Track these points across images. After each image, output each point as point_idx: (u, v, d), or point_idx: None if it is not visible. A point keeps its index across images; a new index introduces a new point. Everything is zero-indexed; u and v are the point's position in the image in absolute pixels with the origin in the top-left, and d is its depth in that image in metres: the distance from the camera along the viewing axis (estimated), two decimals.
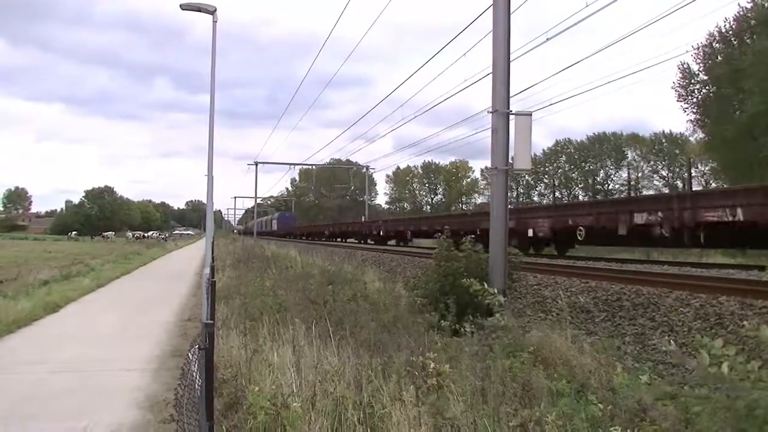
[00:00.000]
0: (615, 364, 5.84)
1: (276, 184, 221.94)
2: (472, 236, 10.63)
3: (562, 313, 7.50)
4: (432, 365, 4.02)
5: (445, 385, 4.10)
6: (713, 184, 57.43)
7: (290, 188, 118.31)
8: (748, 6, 34.83)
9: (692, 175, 76.86)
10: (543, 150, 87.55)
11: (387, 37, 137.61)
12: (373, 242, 36.54)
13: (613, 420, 4.01)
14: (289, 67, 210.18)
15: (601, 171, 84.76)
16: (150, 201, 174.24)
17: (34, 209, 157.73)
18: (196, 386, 3.69)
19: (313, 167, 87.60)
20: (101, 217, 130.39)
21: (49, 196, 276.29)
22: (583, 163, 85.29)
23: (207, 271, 9.43)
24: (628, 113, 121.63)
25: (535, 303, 10.99)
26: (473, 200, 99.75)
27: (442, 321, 8.29)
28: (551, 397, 4.77)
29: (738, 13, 35.57)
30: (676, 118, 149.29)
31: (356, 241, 41.16)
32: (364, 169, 71.42)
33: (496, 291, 7.57)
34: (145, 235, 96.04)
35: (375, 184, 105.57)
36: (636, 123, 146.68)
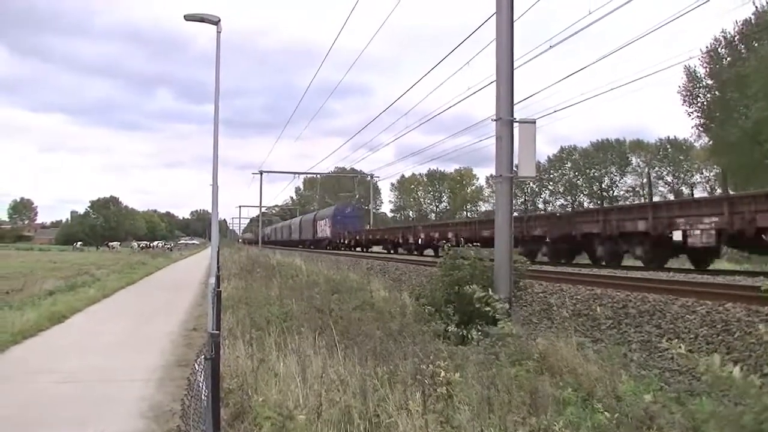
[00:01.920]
0: (621, 372, 5.81)
1: (280, 194, 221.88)
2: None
3: (566, 321, 7.46)
4: (443, 373, 4.00)
5: (454, 394, 4.08)
6: (718, 190, 57.31)
7: (294, 197, 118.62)
8: (754, 9, 34.84)
9: (697, 180, 76.64)
10: (548, 157, 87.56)
11: (389, 45, 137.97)
12: None
13: (619, 428, 3.99)
14: (291, 76, 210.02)
15: (606, 177, 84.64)
16: (155, 211, 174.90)
17: (39, 220, 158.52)
18: (203, 396, 3.69)
19: (318, 176, 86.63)
20: (106, 227, 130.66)
21: (54, 206, 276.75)
22: (587, 170, 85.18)
23: (212, 280, 9.43)
24: (630, 121, 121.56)
25: (541, 311, 10.95)
26: (478, 207, 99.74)
27: (447, 329, 8.27)
28: (558, 406, 4.75)
29: (745, 17, 35.61)
30: (678, 126, 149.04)
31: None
32: (369, 178, 71.43)
33: (500, 297, 7.52)
34: (151, 244, 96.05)
35: (380, 193, 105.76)
36: (638, 130, 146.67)
